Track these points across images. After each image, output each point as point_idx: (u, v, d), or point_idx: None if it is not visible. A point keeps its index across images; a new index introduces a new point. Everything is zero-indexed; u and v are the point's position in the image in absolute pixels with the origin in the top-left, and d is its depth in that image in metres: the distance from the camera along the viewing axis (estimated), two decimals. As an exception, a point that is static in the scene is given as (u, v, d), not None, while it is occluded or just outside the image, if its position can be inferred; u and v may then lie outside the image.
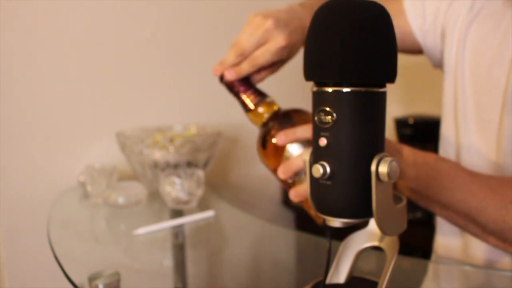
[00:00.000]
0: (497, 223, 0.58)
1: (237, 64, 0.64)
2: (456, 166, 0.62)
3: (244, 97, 0.63)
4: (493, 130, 0.67)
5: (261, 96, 0.63)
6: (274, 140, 0.60)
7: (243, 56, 0.63)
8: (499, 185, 0.60)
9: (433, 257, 0.81)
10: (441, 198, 0.60)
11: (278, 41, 0.62)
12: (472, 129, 0.70)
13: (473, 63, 0.70)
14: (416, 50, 0.80)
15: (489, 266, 0.69)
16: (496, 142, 0.67)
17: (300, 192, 0.57)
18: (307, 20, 0.68)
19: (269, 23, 0.62)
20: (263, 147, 0.62)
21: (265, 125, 0.63)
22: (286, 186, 0.61)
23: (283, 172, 0.56)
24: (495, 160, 0.67)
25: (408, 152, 0.59)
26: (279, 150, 0.60)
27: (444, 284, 0.69)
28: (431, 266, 0.74)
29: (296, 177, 0.59)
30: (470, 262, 0.72)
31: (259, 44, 0.63)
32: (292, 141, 0.57)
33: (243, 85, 0.63)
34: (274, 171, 0.61)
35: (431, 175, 0.59)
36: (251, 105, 0.63)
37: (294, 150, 0.58)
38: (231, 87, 0.64)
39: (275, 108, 0.63)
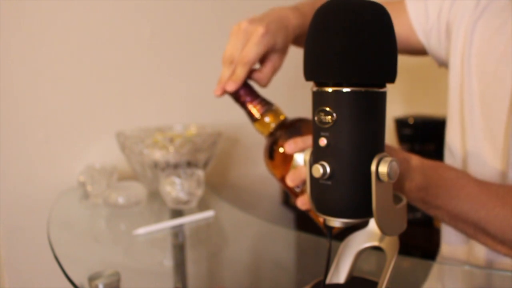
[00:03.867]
0: (506, 232, 0.58)
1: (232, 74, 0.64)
2: (465, 175, 0.62)
3: (250, 107, 0.63)
4: (500, 129, 0.67)
5: (267, 106, 0.63)
6: (281, 150, 0.60)
7: (234, 63, 0.63)
8: (508, 194, 0.59)
9: (438, 259, 0.81)
10: (450, 208, 0.59)
11: (257, 30, 0.63)
12: (479, 128, 0.70)
13: (480, 61, 0.69)
14: (420, 50, 0.80)
15: (491, 266, 0.69)
16: (503, 141, 0.67)
17: (308, 200, 0.57)
18: (290, 14, 0.69)
19: (244, 24, 0.64)
20: (270, 157, 0.62)
21: (272, 134, 0.63)
22: (293, 194, 0.61)
23: (292, 180, 0.56)
24: (502, 159, 0.67)
25: (416, 161, 0.58)
26: (287, 159, 0.60)
27: (446, 284, 0.69)
28: (433, 266, 0.74)
29: (304, 185, 0.59)
30: (473, 261, 0.72)
31: (244, 45, 0.63)
32: (301, 150, 0.56)
33: (248, 95, 0.63)
34: (282, 180, 0.61)
35: (440, 184, 0.59)
36: (257, 115, 0.62)
37: (302, 159, 0.58)
38: (237, 97, 0.64)
39: (282, 117, 0.63)
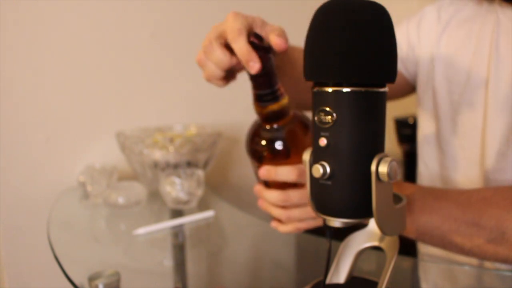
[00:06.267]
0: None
1: None
2: (420, 191, 0.59)
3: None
4: (476, 136, 0.68)
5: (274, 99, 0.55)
6: (263, 142, 0.58)
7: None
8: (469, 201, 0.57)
9: (419, 255, 0.81)
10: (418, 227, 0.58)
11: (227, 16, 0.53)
12: (453, 137, 0.71)
13: (450, 72, 0.71)
14: (403, 83, 0.80)
15: (468, 262, 0.69)
16: (479, 148, 0.67)
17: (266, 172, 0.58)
18: None
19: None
20: (252, 140, 0.61)
21: (264, 119, 0.57)
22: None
23: (263, 175, 0.57)
24: (480, 165, 0.68)
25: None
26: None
27: (445, 284, 0.69)
28: (432, 266, 0.74)
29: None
30: (452, 258, 0.72)
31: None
32: (271, 179, 0.56)
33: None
34: (255, 160, 0.61)
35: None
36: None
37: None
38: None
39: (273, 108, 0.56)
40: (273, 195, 0.57)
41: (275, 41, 0.51)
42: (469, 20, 0.70)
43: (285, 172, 0.55)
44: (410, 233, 0.58)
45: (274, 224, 0.62)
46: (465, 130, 0.69)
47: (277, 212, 0.58)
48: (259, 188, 0.60)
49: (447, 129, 0.72)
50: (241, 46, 0.50)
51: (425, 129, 0.77)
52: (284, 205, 0.57)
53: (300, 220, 0.58)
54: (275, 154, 0.57)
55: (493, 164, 0.65)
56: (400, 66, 0.79)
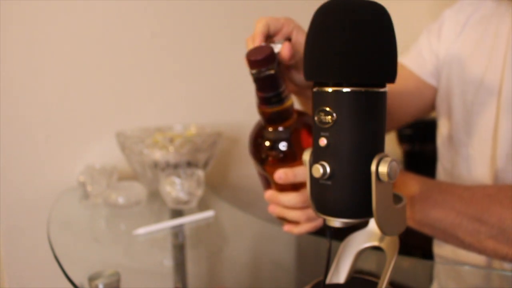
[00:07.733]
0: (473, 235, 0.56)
1: None
2: (428, 184, 0.59)
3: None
4: (488, 137, 0.67)
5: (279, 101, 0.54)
6: (267, 143, 0.56)
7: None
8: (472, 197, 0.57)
9: (436, 258, 0.81)
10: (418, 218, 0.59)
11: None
12: (466, 137, 0.71)
13: (465, 73, 0.70)
14: (434, 95, 0.79)
15: (472, 262, 0.70)
16: (491, 147, 0.67)
17: (270, 196, 0.59)
18: None
19: None
20: (255, 143, 0.58)
21: (267, 120, 0.56)
22: (265, 183, 0.61)
23: (283, 179, 0.55)
24: (491, 166, 0.68)
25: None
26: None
27: (446, 284, 0.69)
28: (432, 266, 0.74)
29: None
30: (457, 258, 0.72)
31: None
32: (290, 182, 0.55)
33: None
34: (260, 164, 0.59)
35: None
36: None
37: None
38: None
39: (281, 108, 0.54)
40: (291, 197, 0.56)
41: (286, 50, 0.52)
42: (486, 19, 0.69)
43: (303, 172, 0.54)
44: (412, 224, 0.59)
45: (287, 227, 0.60)
46: (477, 131, 0.69)
47: (295, 214, 0.57)
48: (272, 194, 0.58)
49: (460, 129, 0.71)
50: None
51: (441, 129, 0.77)
52: (302, 206, 0.57)
53: (316, 218, 0.57)
54: (282, 157, 0.56)
55: (504, 166, 0.65)
56: (432, 81, 0.77)
